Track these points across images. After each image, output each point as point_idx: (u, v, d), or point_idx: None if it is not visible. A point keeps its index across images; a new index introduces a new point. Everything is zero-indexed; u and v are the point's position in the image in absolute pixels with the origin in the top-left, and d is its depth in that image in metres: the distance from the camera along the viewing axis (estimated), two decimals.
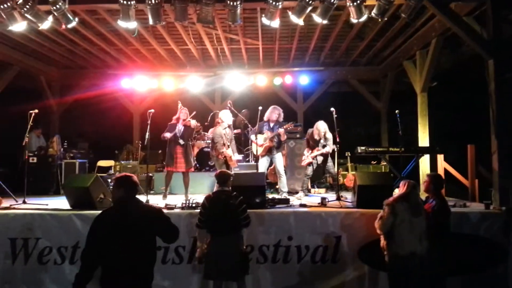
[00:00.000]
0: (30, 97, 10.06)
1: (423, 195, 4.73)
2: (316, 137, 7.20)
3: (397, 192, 4.61)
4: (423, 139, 8.02)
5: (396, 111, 6.22)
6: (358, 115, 11.30)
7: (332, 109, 6.29)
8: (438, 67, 8.25)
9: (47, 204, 5.90)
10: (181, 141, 6.81)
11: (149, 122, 6.28)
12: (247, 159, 9.16)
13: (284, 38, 9.01)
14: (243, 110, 9.63)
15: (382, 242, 4.28)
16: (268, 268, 5.15)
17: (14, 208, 5.61)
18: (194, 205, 5.43)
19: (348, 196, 6.56)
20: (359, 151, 6.36)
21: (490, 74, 5.54)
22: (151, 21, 5.20)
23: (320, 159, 7.20)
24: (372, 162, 9.83)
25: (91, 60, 10.22)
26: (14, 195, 6.42)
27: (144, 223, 3.20)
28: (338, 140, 6.18)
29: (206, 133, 9.39)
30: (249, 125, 9.18)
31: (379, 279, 5.05)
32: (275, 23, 5.29)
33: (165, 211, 5.27)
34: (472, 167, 6.84)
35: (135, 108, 11.51)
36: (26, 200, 6.08)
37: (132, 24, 5.32)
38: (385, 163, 9.79)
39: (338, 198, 5.95)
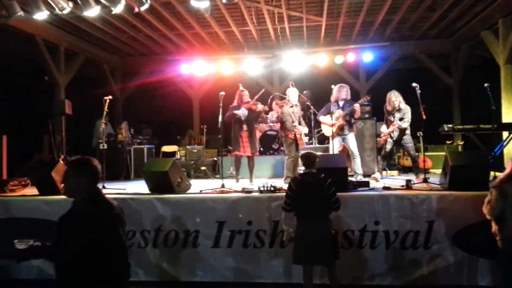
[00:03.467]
0: (94, 85, 10.37)
1: None
2: (389, 107, 6.70)
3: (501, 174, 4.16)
4: (508, 115, 7.38)
5: (486, 84, 5.65)
6: (427, 92, 10.63)
7: (414, 84, 5.84)
8: None
9: (124, 189, 5.98)
10: (245, 126, 6.66)
11: (221, 105, 6.14)
12: (310, 142, 8.88)
13: (349, 13, 8.55)
14: (304, 91, 9.32)
15: (494, 227, 3.89)
16: (354, 253, 4.89)
17: None
18: (272, 188, 5.26)
19: (431, 178, 6.12)
20: (445, 129, 5.87)
21: None
22: None
23: (396, 135, 6.68)
24: (447, 142, 9.24)
25: (152, 46, 10.30)
26: None
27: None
28: (424, 117, 5.72)
29: (267, 116, 9.21)
30: (311, 106, 8.89)
31: (479, 266, 4.65)
32: None
33: (243, 195, 5.25)
34: None
35: (194, 93, 11.55)
36: (105, 185, 6.19)
37: (205, 3, 5.15)
38: (460, 143, 9.23)
39: (425, 180, 5.54)
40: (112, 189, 5.98)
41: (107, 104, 6.39)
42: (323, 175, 4.15)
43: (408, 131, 6.64)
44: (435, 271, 4.75)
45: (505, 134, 6.62)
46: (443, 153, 9.00)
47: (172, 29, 9.07)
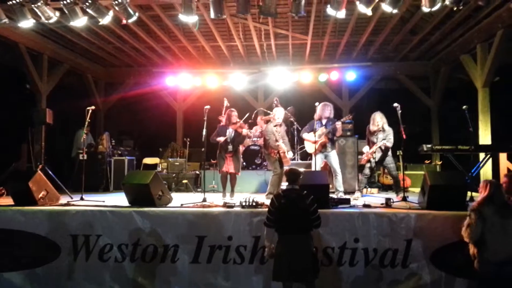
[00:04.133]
0: (76, 95, 10.24)
1: None
2: (372, 127, 6.79)
3: (477, 195, 4.25)
4: (485, 137, 7.59)
5: (464, 106, 5.83)
6: (407, 112, 10.87)
7: (396, 104, 5.97)
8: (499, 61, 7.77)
9: (104, 201, 5.88)
10: (230, 147, 6.70)
11: (205, 118, 6.14)
12: (293, 158, 8.92)
13: (333, 33, 8.74)
14: (288, 108, 9.40)
15: (472, 250, 3.92)
16: (333, 271, 4.90)
17: (73, 205, 5.60)
18: (254, 203, 5.25)
19: (410, 197, 6.22)
20: (425, 149, 6.01)
21: None
22: (212, 15, 5.06)
23: (378, 156, 6.80)
24: (426, 161, 9.43)
25: (137, 58, 10.28)
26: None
27: None
28: (404, 137, 5.84)
29: (251, 130, 9.24)
30: (295, 123, 8.97)
31: (455, 286, 4.71)
32: (341, 14, 5.05)
33: (224, 209, 5.21)
34: None
35: (178, 106, 11.52)
36: (83, 196, 6.07)
37: (194, 18, 5.20)
38: (438, 163, 9.43)
39: (405, 199, 5.63)
40: (91, 201, 5.87)
41: (89, 114, 6.31)
42: (305, 191, 4.17)
43: (389, 152, 6.76)
44: None
45: (481, 155, 6.81)
46: (422, 172, 9.19)
47: (159, 42, 9.08)
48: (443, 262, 4.74)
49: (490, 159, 7.11)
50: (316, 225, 4.13)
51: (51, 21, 5.46)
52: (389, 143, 6.62)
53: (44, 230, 5.17)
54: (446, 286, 4.73)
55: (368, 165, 6.88)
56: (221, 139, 6.70)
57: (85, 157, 7.89)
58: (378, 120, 6.73)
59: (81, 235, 5.14)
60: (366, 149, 6.93)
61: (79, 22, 5.42)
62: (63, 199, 6.01)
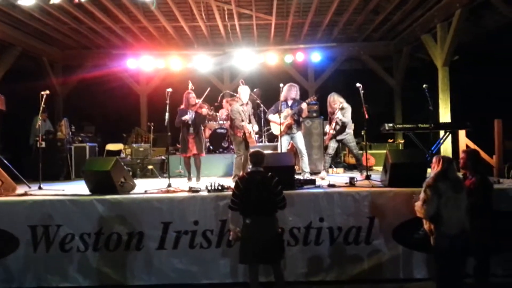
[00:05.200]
0: (32, 79, 9.71)
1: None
2: (330, 109, 6.94)
3: (430, 171, 4.35)
4: (445, 115, 7.82)
5: (424, 85, 5.93)
6: (371, 92, 11.04)
7: (358, 84, 6.01)
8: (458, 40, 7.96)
9: (63, 190, 5.67)
10: (191, 129, 6.68)
11: (167, 102, 5.98)
12: (260, 140, 8.91)
13: (297, 13, 8.66)
14: (255, 89, 9.31)
15: (428, 225, 4.01)
16: (299, 250, 4.96)
17: (31, 195, 5.36)
18: (219, 187, 5.20)
19: (373, 175, 6.35)
20: (386, 128, 6.11)
21: None
22: None
23: (337, 133, 6.91)
24: (389, 140, 9.65)
25: (95, 39, 9.84)
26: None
27: None
28: (367, 117, 5.91)
29: (217, 113, 9.12)
30: (261, 104, 8.92)
31: (415, 260, 4.89)
32: None
33: (190, 194, 5.14)
34: (499, 142, 6.64)
35: (141, 89, 11.18)
36: (41, 186, 5.82)
37: None
38: (401, 142, 9.68)
39: (368, 177, 5.74)
40: (49, 190, 5.64)
41: (43, 99, 6.00)
42: (270, 173, 4.16)
43: (349, 130, 6.86)
44: (376, 265, 4.95)
45: (441, 133, 7.02)
46: (385, 151, 9.44)
47: (117, 22, 8.71)
48: (404, 238, 4.89)
49: (450, 137, 7.36)
50: (281, 206, 4.14)
51: None
52: (345, 119, 6.75)
53: (0, 222, 4.93)
54: (404, 260, 4.90)
55: (331, 144, 6.96)
56: (186, 117, 6.60)
57: (43, 145, 7.57)
58: (332, 102, 6.85)
59: (40, 226, 4.95)
60: (327, 128, 7.01)
61: (27, 0, 5.06)
62: (21, 189, 5.75)
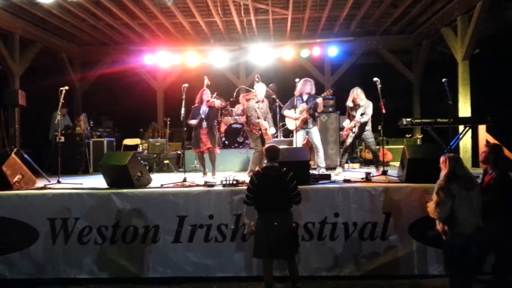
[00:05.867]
0: (52, 75, 9.91)
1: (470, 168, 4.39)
2: (350, 104, 6.74)
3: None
4: (464, 110, 7.65)
5: (443, 79, 5.80)
6: (389, 86, 10.87)
7: (375, 78, 5.92)
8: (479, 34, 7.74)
9: (81, 184, 5.76)
10: (205, 124, 6.61)
11: (183, 97, 6.02)
12: (276, 135, 8.88)
13: (314, 7, 8.57)
14: (270, 84, 9.28)
15: (441, 226, 3.91)
16: (314, 245, 4.94)
17: (50, 188, 5.48)
18: (234, 182, 5.21)
19: (390, 171, 6.26)
20: (404, 123, 6.00)
21: None
22: None
23: (357, 130, 6.73)
24: (407, 135, 9.50)
25: (113, 36, 9.96)
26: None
27: None
28: (384, 111, 5.81)
29: (233, 108, 9.13)
30: (277, 100, 8.89)
31: (429, 256, 4.82)
32: None
33: (205, 188, 5.17)
34: None
35: (158, 85, 11.29)
36: (60, 179, 5.94)
37: None
38: (419, 137, 9.51)
39: (384, 173, 5.66)
40: (68, 184, 5.75)
41: (63, 95, 6.11)
42: (285, 168, 4.14)
43: (368, 127, 6.74)
44: (392, 261, 4.90)
45: (461, 128, 6.86)
46: (403, 146, 9.28)
47: (135, 18, 8.79)
48: (420, 234, 4.81)
49: (470, 132, 7.19)
50: (296, 201, 4.13)
51: None
52: (364, 119, 6.58)
53: (21, 214, 5.06)
54: (421, 256, 4.83)
55: (348, 140, 6.87)
56: (192, 122, 6.60)
57: (62, 139, 7.73)
58: (356, 96, 6.63)
59: (59, 219, 5.05)
60: (346, 123, 6.89)
61: None
62: (40, 183, 5.88)
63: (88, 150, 8.30)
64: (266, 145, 4.34)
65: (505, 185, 4.17)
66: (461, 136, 6.23)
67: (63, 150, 7.74)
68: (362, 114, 6.63)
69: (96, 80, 10.94)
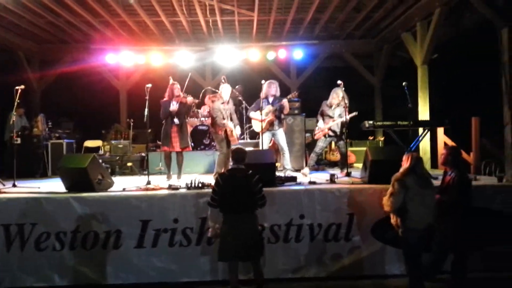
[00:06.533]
0: (7, 73, 9.41)
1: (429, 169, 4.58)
2: (334, 101, 6.69)
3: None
4: (424, 113, 7.91)
5: (404, 83, 5.99)
6: (352, 90, 11.12)
7: (339, 82, 6.03)
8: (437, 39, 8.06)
9: (39, 187, 5.53)
10: (176, 120, 6.41)
11: (147, 97, 5.87)
12: (242, 137, 8.86)
13: (280, 10, 8.63)
14: (237, 86, 9.26)
15: (394, 219, 4.15)
16: (280, 247, 4.96)
17: (4, 192, 5.20)
18: (200, 184, 5.15)
19: (354, 172, 6.40)
20: (366, 125, 6.15)
21: (503, 44, 5.38)
22: None
23: (337, 130, 6.78)
24: (369, 137, 9.74)
25: (74, 33, 9.61)
26: None
27: None
28: (347, 115, 5.93)
29: (199, 110, 9.03)
30: (243, 101, 8.88)
31: (391, 255, 4.96)
32: None
33: (169, 192, 5.07)
34: (476, 139, 6.78)
35: (121, 84, 10.98)
36: (16, 183, 5.66)
37: None
38: (381, 139, 9.78)
39: (348, 174, 5.76)
40: (24, 188, 5.48)
41: (18, 94, 5.82)
42: (251, 171, 4.13)
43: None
44: (355, 261, 5.00)
45: (420, 130, 7.11)
46: (365, 149, 9.51)
47: (96, 16, 8.51)
48: (381, 234, 4.94)
49: (429, 134, 7.46)
50: (261, 204, 4.12)
51: None
52: (348, 117, 6.65)
53: None
54: (383, 256, 4.96)
55: (320, 143, 6.89)
56: (172, 108, 6.32)
57: (18, 141, 7.38)
58: (340, 95, 6.63)
59: (14, 225, 4.82)
60: (321, 123, 6.91)
61: None
62: None
63: (46, 152, 7.95)
64: (233, 147, 4.32)
65: (463, 186, 4.38)
66: (420, 138, 6.45)
67: (20, 152, 7.40)
68: (340, 115, 6.69)
69: (55, 79, 10.48)
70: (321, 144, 6.94)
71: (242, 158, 4.16)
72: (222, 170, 6.10)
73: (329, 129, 6.78)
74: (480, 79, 8.18)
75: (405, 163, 4.15)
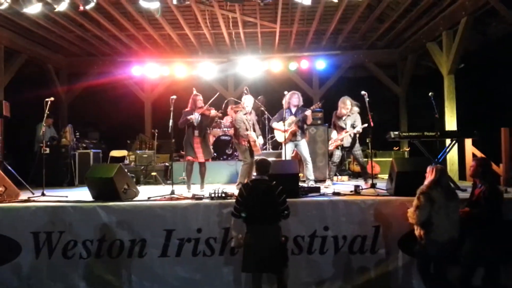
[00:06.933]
0: (37, 86, 9.77)
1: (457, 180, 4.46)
2: (343, 111, 6.72)
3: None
4: (451, 123, 7.76)
5: (430, 93, 5.88)
6: (375, 100, 10.98)
7: (363, 92, 5.98)
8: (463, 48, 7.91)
9: (66, 196, 5.65)
10: (197, 132, 6.41)
11: (171, 109, 5.96)
12: (264, 147, 8.87)
13: (302, 21, 8.67)
14: (259, 97, 9.30)
15: (418, 231, 4.10)
16: (303, 259, 4.90)
17: (33, 201, 5.35)
18: (223, 194, 5.16)
19: (378, 183, 6.29)
20: (392, 136, 6.04)
21: None
22: (175, 0, 4.86)
23: (347, 142, 6.77)
24: (394, 148, 9.59)
25: (101, 47, 9.90)
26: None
27: None
28: (372, 124, 5.87)
29: (221, 120, 9.10)
30: (266, 112, 8.90)
31: (415, 269, 4.76)
32: (307, 1, 4.96)
33: (193, 201, 5.09)
34: (506, 150, 6.56)
35: (146, 96, 11.21)
36: (44, 192, 5.81)
37: (155, 4, 4.98)
38: (406, 150, 9.61)
39: (373, 186, 5.67)
40: (52, 197, 5.62)
41: (48, 106, 6.01)
42: (274, 182, 4.12)
43: (357, 138, 6.79)
44: (382, 275, 4.87)
45: (447, 141, 6.96)
46: (391, 159, 9.36)
47: (122, 30, 8.76)
48: (410, 247, 4.80)
49: (456, 145, 7.29)
50: (285, 216, 4.08)
51: (1, 7, 5.11)
52: (358, 128, 6.63)
53: (3, 228, 4.92)
54: (411, 270, 4.81)
55: (337, 152, 6.88)
56: (191, 116, 6.32)
57: (47, 151, 7.59)
58: (348, 104, 6.68)
59: (43, 232, 4.93)
60: (334, 135, 6.92)
61: (33, 9, 5.10)
62: (24, 195, 5.74)
63: (73, 162, 8.15)
64: (257, 158, 4.32)
65: (494, 198, 4.24)
66: (448, 149, 6.30)
67: (48, 162, 7.60)
68: (352, 126, 6.66)
69: (82, 91, 10.81)
70: (336, 155, 6.90)
71: (266, 169, 4.15)
72: (246, 180, 6.10)
73: (342, 140, 6.73)
74: (508, 88, 7.95)
75: (430, 175, 4.12)
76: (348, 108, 6.68)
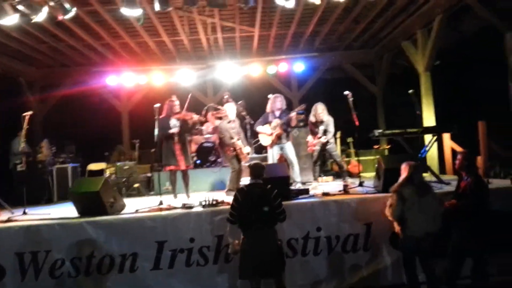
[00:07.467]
0: (9, 99, 9.38)
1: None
2: (313, 119, 6.92)
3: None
4: (428, 119, 7.94)
5: (410, 91, 6.02)
6: (353, 100, 11.15)
7: (346, 92, 6.05)
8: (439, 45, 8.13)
9: (49, 214, 5.45)
10: (177, 139, 6.21)
11: (156, 117, 5.84)
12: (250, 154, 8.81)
13: (280, 24, 8.71)
14: (239, 102, 9.27)
15: (397, 227, 4.27)
16: (298, 262, 4.89)
17: (15, 220, 5.12)
18: (214, 202, 5.09)
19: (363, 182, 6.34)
20: (376, 134, 6.14)
21: (508, 47, 5.42)
22: (157, 7, 4.78)
23: (319, 147, 6.95)
24: (374, 146, 9.73)
25: (74, 57, 9.65)
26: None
27: None
28: (357, 124, 5.94)
29: (202, 127, 9.00)
30: (246, 117, 8.86)
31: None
32: (290, 3, 4.98)
33: (183, 211, 5.00)
34: (484, 144, 6.76)
35: (122, 106, 10.97)
36: (26, 210, 5.58)
37: (138, 11, 4.88)
38: (387, 147, 9.78)
39: (361, 184, 5.74)
40: (35, 215, 5.40)
41: (26, 121, 5.76)
42: (269, 185, 4.09)
43: (332, 140, 6.90)
44: (375, 272, 4.92)
45: (426, 137, 7.12)
46: (372, 157, 9.52)
47: (98, 39, 8.55)
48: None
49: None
50: (281, 218, 4.07)
51: None
52: (329, 136, 6.80)
53: None
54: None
55: (315, 155, 6.99)
56: (174, 130, 6.16)
57: (24, 168, 7.28)
58: (320, 111, 6.84)
59: (28, 253, 4.72)
60: (310, 138, 7.04)
61: (9, 20, 4.88)
62: (3, 215, 5.49)
63: (51, 178, 7.85)
64: (251, 162, 4.28)
65: (479, 190, 4.35)
66: (430, 144, 6.44)
67: (25, 179, 7.30)
68: (325, 131, 6.77)
69: (56, 103, 10.48)
70: (315, 157, 7.06)
71: (260, 173, 4.12)
72: (234, 187, 6.05)
73: (315, 145, 6.95)
74: (483, 83, 8.22)
75: (404, 172, 4.27)
76: (319, 115, 6.79)
